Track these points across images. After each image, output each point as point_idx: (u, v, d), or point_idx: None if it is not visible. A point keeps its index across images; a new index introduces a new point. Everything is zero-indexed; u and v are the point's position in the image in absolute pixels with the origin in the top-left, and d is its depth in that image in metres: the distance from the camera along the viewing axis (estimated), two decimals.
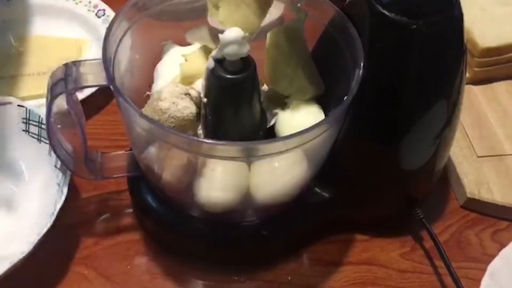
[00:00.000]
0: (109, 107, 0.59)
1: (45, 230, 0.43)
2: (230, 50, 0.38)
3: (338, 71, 0.44)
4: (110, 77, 0.39)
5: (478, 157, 0.56)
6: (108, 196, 0.52)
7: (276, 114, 0.45)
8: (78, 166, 0.45)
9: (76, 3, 0.67)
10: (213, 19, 0.44)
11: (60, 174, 0.47)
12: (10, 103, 0.51)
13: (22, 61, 0.62)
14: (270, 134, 0.45)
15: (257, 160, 0.41)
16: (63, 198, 0.45)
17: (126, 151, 0.49)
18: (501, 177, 0.54)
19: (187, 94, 0.42)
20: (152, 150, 0.42)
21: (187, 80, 0.44)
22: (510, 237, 0.51)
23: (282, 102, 0.45)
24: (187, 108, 0.41)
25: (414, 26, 0.39)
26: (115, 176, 0.48)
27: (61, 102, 0.41)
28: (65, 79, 0.40)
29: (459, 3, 0.41)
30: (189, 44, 0.47)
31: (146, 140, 0.43)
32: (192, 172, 0.42)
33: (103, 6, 0.66)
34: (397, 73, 0.42)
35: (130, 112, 0.39)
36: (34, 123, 0.50)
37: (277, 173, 0.43)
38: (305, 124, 0.37)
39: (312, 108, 0.45)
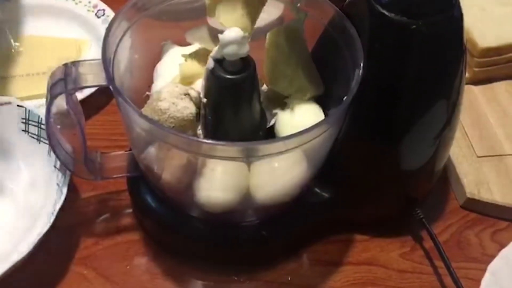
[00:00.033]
0: (109, 107, 0.59)
1: (44, 230, 0.43)
2: (229, 50, 0.38)
3: (338, 71, 0.44)
4: (110, 77, 0.39)
5: (478, 157, 0.56)
6: (107, 196, 0.52)
7: (276, 114, 0.45)
8: (77, 166, 0.45)
9: (76, 3, 0.67)
10: (213, 19, 0.44)
11: (60, 174, 0.47)
12: (9, 103, 0.51)
13: (21, 61, 0.62)
14: (270, 134, 0.45)
15: (257, 160, 0.41)
16: (62, 198, 0.45)
17: (126, 151, 0.49)
18: (501, 177, 0.54)
19: (187, 94, 0.41)
20: (152, 150, 0.42)
21: (186, 80, 0.44)
22: (510, 237, 0.51)
23: (282, 102, 0.45)
24: (187, 108, 0.41)
25: (414, 26, 0.39)
26: (114, 176, 0.48)
27: (60, 102, 0.41)
28: (64, 79, 0.39)
29: (459, 3, 0.41)
30: (189, 44, 0.47)
31: (145, 140, 0.43)
32: (192, 172, 0.42)
33: (103, 6, 0.66)
34: (396, 73, 0.42)
35: (130, 112, 0.39)
36: (33, 123, 0.50)
37: (277, 173, 0.43)
38: (305, 124, 0.37)
39: (312, 108, 0.45)
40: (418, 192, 0.50)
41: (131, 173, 0.48)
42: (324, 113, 0.45)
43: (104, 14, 0.66)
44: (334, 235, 0.51)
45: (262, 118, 0.44)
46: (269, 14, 0.46)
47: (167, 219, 0.47)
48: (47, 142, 0.45)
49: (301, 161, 0.42)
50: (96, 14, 0.66)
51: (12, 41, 0.63)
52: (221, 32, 0.38)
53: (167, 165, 0.43)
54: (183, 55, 0.44)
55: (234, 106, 0.41)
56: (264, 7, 0.42)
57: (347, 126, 0.44)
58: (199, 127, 0.43)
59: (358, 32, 0.41)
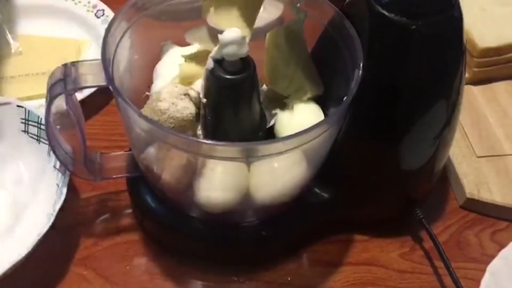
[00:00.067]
0: (108, 107, 0.59)
1: (44, 230, 0.43)
2: (229, 50, 0.38)
3: (338, 72, 0.44)
4: (110, 78, 0.39)
5: (478, 157, 0.56)
6: (107, 197, 0.52)
7: (275, 114, 0.45)
8: (77, 167, 0.45)
9: (75, 3, 0.67)
10: (213, 19, 0.44)
11: (59, 175, 0.47)
12: (9, 103, 0.51)
13: (21, 61, 0.62)
14: (270, 134, 0.45)
15: (257, 160, 0.41)
16: (62, 198, 0.45)
17: (125, 151, 0.48)
18: (500, 177, 0.54)
19: (187, 94, 0.41)
20: (152, 150, 0.42)
21: (186, 80, 0.44)
22: (509, 237, 0.51)
23: (281, 102, 0.45)
24: (187, 109, 0.41)
25: (414, 27, 0.39)
26: (114, 176, 0.48)
27: (60, 103, 0.40)
28: (64, 79, 0.39)
29: (459, 4, 0.41)
30: (189, 44, 0.47)
31: (145, 141, 0.43)
32: (192, 173, 0.42)
33: (102, 6, 0.66)
34: (396, 74, 0.42)
35: (130, 113, 0.39)
36: (33, 123, 0.50)
37: (277, 174, 0.43)
38: (305, 125, 0.37)
39: (312, 109, 0.45)
40: (417, 192, 0.50)
41: (131, 174, 0.48)
42: (324, 113, 0.45)
43: (103, 14, 0.66)
44: (333, 236, 0.51)
45: (262, 118, 0.44)
46: (269, 14, 0.46)
47: (167, 219, 0.47)
48: (46, 142, 0.45)
49: (300, 161, 0.42)
50: (95, 14, 0.66)
51: (11, 41, 0.63)
52: (221, 32, 0.38)
53: (167, 166, 0.43)
54: (183, 55, 0.44)
55: (233, 107, 0.41)
56: (264, 7, 0.42)
57: (347, 126, 0.44)
58: (199, 127, 0.43)
59: (357, 32, 0.41)
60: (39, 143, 0.50)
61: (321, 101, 0.45)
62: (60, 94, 0.40)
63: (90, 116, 0.58)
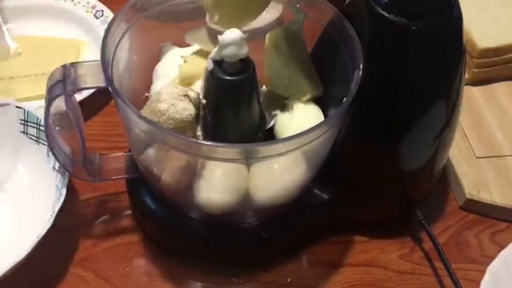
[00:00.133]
0: (108, 108, 0.59)
1: (43, 232, 0.43)
2: (229, 51, 0.38)
3: (337, 72, 0.44)
4: (109, 79, 0.39)
5: (477, 158, 0.56)
6: (106, 198, 0.52)
7: (275, 115, 0.45)
8: (76, 168, 0.45)
9: (75, 4, 0.67)
10: (212, 20, 0.44)
11: (59, 176, 0.47)
12: (8, 104, 0.51)
13: (20, 62, 0.62)
14: (270, 135, 0.45)
15: (257, 161, 0.41)
16: (61, 199, 0.45)
17: (125, 152, 0.48)
18: (500, 178, 0.54)
19: (186, 95, 0.41)
20: (151, 151, 0.42)
21: (186, 81, 0.44)
22: (509, 238, 0.51)
23: (281, 103, 0.45)
24: (186, 110, 0.41)
25: (414, 27, 0.39)
26: (113, 177, 0.48)
27: (59, 104, 0.40)
28: (63, 80, 0.39)
29: (458, 4, 0.41)
30: (188, 45, 0.47)
31: (144, 142, 0.42)
32: (191, 174, 0.42)
33: (102, 7, 0.66)
34: (396, 74, 0.42)
35: (129, 114, 0.39)
36: (32, 124, 0.50)
37: (277, 175, 0.43)
38: (305, 126, 0.37)
39: (312, 109, 0.45)
40: (417, 193, 0.50)
41: (130, 175, 0.48)
42: (324, 114, 0.45)
43: (102, 15, 0.65)
44: (333, 236, 0.51)
45: (262, 119, 0.44)
46: (268, 14, 0.46)
47: (166, 220, 0.47)
48: (46, 143, 0.45)
49: (300, 162, 0.42)
50: (94, 15, 0.66)
51: (10, 42, 0.63)
52: (221, 33, 0.38)
53: (167, 167, 0.42)
54: (183, 56, 0.44)
55: (233, 107, 0.41)
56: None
57: (346, 127, 0.44)
58: (199, 128, 0.43)
59: (357, 33, 0.41)
60: (38, 144, 0.50)
61: (321, 102, 0.45)
62: (59, 95, 0.40)
63: (89, 117, 0.58)
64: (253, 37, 0.42)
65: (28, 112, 0.50)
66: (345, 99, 0.39)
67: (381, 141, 0.45)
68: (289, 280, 0.48)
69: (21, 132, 0.51)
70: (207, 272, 0.48)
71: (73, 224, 0.50)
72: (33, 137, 0.50)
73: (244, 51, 0.38)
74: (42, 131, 0.48)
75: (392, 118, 0.44)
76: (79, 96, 0.54)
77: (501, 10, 0.63)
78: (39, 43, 0.64)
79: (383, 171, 0.47)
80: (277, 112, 0.45)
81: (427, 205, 0.51)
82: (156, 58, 0.47)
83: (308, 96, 0.45)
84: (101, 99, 0.58)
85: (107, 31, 0.41)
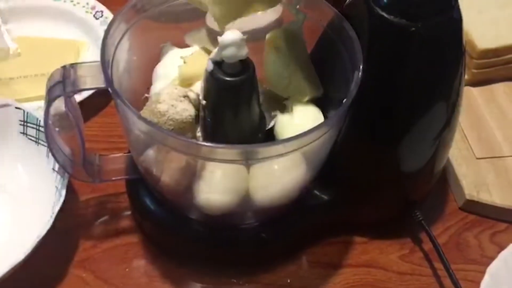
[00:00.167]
0: (107, 109, 0.59)
1: (43, 232, 0.43)
2: (228, 52, 0.38)
3: (337, 73, 0.44)
4: (109, 80, 0.39)
5: (477, 158, 0.56)
6: (106, 199, 0.52)
7: (275, 116, 0.45)
8: (76, 169, 0.45)
9: (74, 5, 0.67)
10: (212, 21, 0.44)
11: (58, 177, 0.47)
12: (7, 105, 0.51)
13: (20, 63, 0.62)
14: (269, 136, 0.45)
15: (257, 162, 0.41)
16: (61, 200, 0.45)
17: (125, 153, 0.48)
18: (499, 179, 0.54)
19: (186, 96, 0.41)
20: (151, 152, 0.42)
21: (186, 82, 0.44)
22: (509, 239, 0.51)
23: (281, 104, 0.45)
24: (186, 111, 0.41)
25: (413, 28, 0.39)
26: (113, 178, 0.48)
27: (59, 105, 0.40)
28: (63, 81, 0.39)
29: (458, 5, 0.41)
30: (188, 46, 0.47)
31: (144, 143, 0.42)
32: (191, 175, 0.42)
33: (101, 7, 0.66)
34: (396, 75, 0.42)
35: (129, 115, 0.39)
36: (32, 125, 0.50)
37: (276, 176, 0.43)
38: (305, 127, 0.37)
39: (311, 110, 0.45)
40: (417, 193, 0.50)
41: (130, 176, 0.48)
42: (324, 115, 0.45)
43: (102, 15, 0.65)
44: (333, 237, 0.51)
45: (262, 120, 0.44)
46: (268, 15, 0.46)
47: (166, 221, 0.47)
48: (45, 144, 0.45)
49: (300, 163, 0.42)
50: (94, 15, 0.66)
51: (10, 42, 0.63)
52: (221, 34, 0.38)
53: (166, 168, 0.42)
54: (182, 57, 0.44)
55: (233, 108, 0.41)
56: None
57: (346, 128, 0.44)
58: (198, 129, 0.43)
59: (357, 34, 0.41)
60: (37, 145, 0.50)
61: (321, 103, 0.45)
62: (59, 96, 0.40)
63: (89, 118, 0.58)
64: (252, 38, 0.42)
65: (27, 113, 0.50)
66: (345, 100, 0.39)
67: (381, 142, 0.45)
68: (289, 281, 0.48)
69: (21, 133, 0.51)
70: (207, 273, 0.48)
71: (73, 225, 0.50)
72: (33, 138, 0.50)
73: (244, 52, 0.38)
74: (42, 132, 0.48)
75: (392, 119, 0.44)
76: (78, 97, 0.53)
77: (500, 11, 0.63)
78: (39, 44, 0.64)
79: (383, 172, 0.47)
80: (277, 113, 0.45)
81: (427, 205, 0.51)
82: (156, 59, 0.47)
83: (307, 97, 0.45)
84: (101, 99, 0.58)
85: (107, 31, 0.41)
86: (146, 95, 0.45)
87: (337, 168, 0.46)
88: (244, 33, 0.38)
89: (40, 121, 0.49)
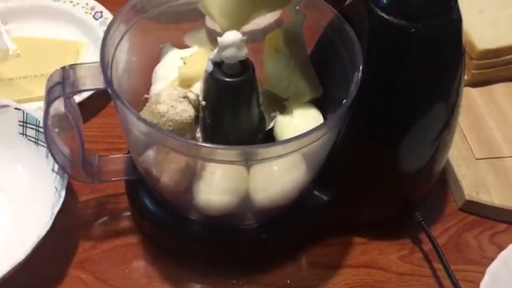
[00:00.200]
0: (107, 109, 0.59)
1: (43, 233, 0.43)
2: (228, 53, 0.38)
3: (337, 74, 0.44)
4: (108, 81, 0.39)
5: (476, 159, 0.56)
6: (106, 200, 0.52)
7: (274, 117, 0.45)
8: (75, 170, 0.45)
9: (74, 5, 0.67)
10: (212, 22, 0.44)
11: (58, 178, 0.47)
12: (7, 106, 0.51)
13: (19, 64, 0.62)
14: (269, 137, 0.45)
15: (256, 163, 0.41)
16: (61, 201, 0.45)
17: (124, 154, 0.48)
18: (499, 179, 0.54)
19: (186, 97, 0.41)
20: (150, 153, 0.42)
21: (185, 83, 0.44)
22: (508, 239, 0.51)
23: (281, 104, 0.45)
24: (186, 111, 0.41)
25: (413, 29, 0.39)
26: (113, 179, 0.48)
27: (58, 106, 0.40)
28: (62, 82, 0.39)
29: (458, 6, 0.41)
30: (188, 46, 0.47)
31: (144, 144, 0.42)
32: (191, 176, 0.42)
33: (101, 8, 0.66)
34: (396, 76, 0.42)
35: (128, 116, 0.39)
36: (31, 126, 0.50)
37: (276, 176, 0.43)
38: (304, 128, 0.37)
39: (311, 111, 0.44)
40: (417, 194, 0.50)
41: (130, 176, 0.48)
42: (323, 116, 0.45)
43: (101, 16, 0.65)
44: (333, 238, 0.51)
45: (261, 121, 0.44)
46: (267, 16, 0.46)
47: (165, 222, 0.47)
48: (45, 145, 0.45)
49: (300, 164, 0.42)
50: (93, 16, 0.66)
51: (9, 43, 0.63)
52: (220, 34, 0.38)
53: (166, 168, 0.42)
54: (182, 58, 0.44)
55: (233, 109, 0.41)
56: None
57: (346, 128, 0.43)
58: (198, 130, 0.43)
59: (357, 35, 0.41)
60: (37, 146, 0.50)
61: (320, 103, 0.45)
62: (58, 97, 0.40)
63: (89, 119, 0.58)
64: (252, 38, 0.42)
65: (27, 113, 0.50)
66: (344, 100, 0.39)
67: (380, 143, 0.45)
68: (288, 281, 0.48)
69: (20, 133, 0.51)
70: (207, 273, 0.48)
71: (72, 226, 0.50)
72: (32, 139, 0.50)
73: (243, 52, 0.38)
74: (41, 132, 0.48)
75: (392, 120, 0.44)
76: (78, 98, 0.53)
77: (500, 12, 0.63)
78: (38, 44, 0.64)
79: (383, 173, 0.47)
80: (277, 113, 0.45)
81: (426, 206, 0.51)
82: (155, 59, 0.47)
83: (306, 98, 0.45)
84: (101, 100, 0.58)
85: (107, 32, 0.41)
86: (146, 96, 0.45)
87: (337, 169, 0.47)
88: (243, 33, 0.38)
89: (39, 121, 0.49)
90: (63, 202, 0.45)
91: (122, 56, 0.43)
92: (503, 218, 0.53)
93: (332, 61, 0.45)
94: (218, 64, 0.39)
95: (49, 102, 0.40)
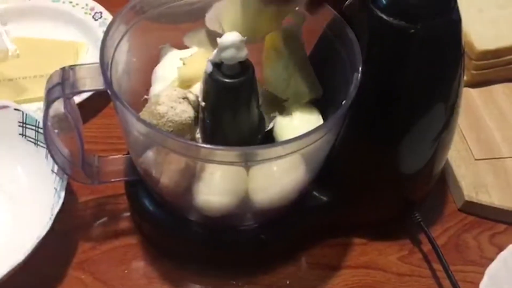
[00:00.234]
0: (106, 110, 0.59)
1: (43, 234, 0.43)
2: (228, 54, 0.38)
3: (336, 75, 0.44)
4: (108, 82, 0.39)
5: (476, 160, 0.56)
6: (105, 200, 0.52)
7: (274, 117, 0.45)
8: (75, 170, 0.45)
9: (73, 6, 0.67)
10: (211, 22, 0.44)
11: (57, 178, 0.47)
12: (6, 106, 0.51)
13: (19, 64, 0.62)
14: (269, 137, 0.45)
15: (256, 164, 0.41)
16: (60, 202, 0.45)
17: (124, 155, 0.48)
18: (498, 180, 0.54)
19: (185, 98, 0.41)
20: (150, 154, 0.42)
21: (185, 83, 0.44)
22: (508, 240, 0.51)
23: (280, 105, 0.45)
24: (185, 112, 0.41)
25: (412, 30, 0.39)
26: (112, 180, 0.48)
27: (58, 106, 0.40)
28: (62, 83, 0.39)
29: (457, 7, 0.41)
30: (187, 47, 0.47)
31: (143, 144, 0.42)
32: (190, 176, 0.42)
33: (100, 8, 0.66)
34: (395, 77, 0.42)
35: (128, 116, 0.39)
36: (30, 127, 0.50)
37: (276, 177, 0.43)
38: (304, 128, 0.37)
39: (311, 112, 0.44)
40: (416, 195, 0.50)
41: (129, 177, 0.48)
42: (323, 117, 0.45)
43: (101, 16, 0.65)
44: (332, 239, 0.51)
45: (261, 121, 0.44)
46: None
47: (165, 223, 0.47)
48: (44, 145, 0.45)
49: (299, 165, 0.42)
50: (93, 16, 0.66)
51: (9, 43, 0.63)
52: (220, 35, 0.38)
53: (165, 169, 0.42)
54: (182, 59, 0.44)
55: (232, 110, 0.41)
56: None
57: (345, 129, 0.43)
58: (198, 131, 0.43)
59: (356, 36, 0.41)
60: (36, 147, 0.50)
61: (320, 104, 0.45)
62: (58, 98, 0.40)
63: (88, 119, 0.58)
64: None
65: (26, 114, 0.50)
66: (344, 101, 0.39)
67: (380, 143, 0.45)
68: (288, 282, 0.48)
69: (20, 134, 0.51)
70: (206, 274, 0.48)
71: (72, 227, 0.50)
72: (32, 140, 0.50)
73: (243, 53, 0.38)
74: (41, 133, 0.48)
75: (391, 120, 0.44)
76: (77, 98, 0.54)
77: (500, 12, 0.63)
78: (38, 45, 0.64)
79: (382, 173, 0.47)
80: (276, 114, 0.45)
81: (426, 207, 0.51)
82: (155, 60, 0.47)
83: (306, 99, 0.45)
84: (100, 101, 0.58)
85: (106, 33, 0.41)
86: (145, 96, 0.45)
87: (336, 170, 0.47)
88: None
89: (39, 122, 0.49)
90: (63, 203, 0.45)
91: (122, 57, 0.43)
92: (503, 218, 0.53)
93: (332, 62, 0.45)
94: (217, 65, 0.39)
95: (48, 103, 0.40)
